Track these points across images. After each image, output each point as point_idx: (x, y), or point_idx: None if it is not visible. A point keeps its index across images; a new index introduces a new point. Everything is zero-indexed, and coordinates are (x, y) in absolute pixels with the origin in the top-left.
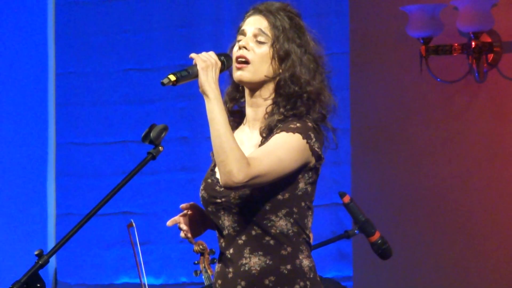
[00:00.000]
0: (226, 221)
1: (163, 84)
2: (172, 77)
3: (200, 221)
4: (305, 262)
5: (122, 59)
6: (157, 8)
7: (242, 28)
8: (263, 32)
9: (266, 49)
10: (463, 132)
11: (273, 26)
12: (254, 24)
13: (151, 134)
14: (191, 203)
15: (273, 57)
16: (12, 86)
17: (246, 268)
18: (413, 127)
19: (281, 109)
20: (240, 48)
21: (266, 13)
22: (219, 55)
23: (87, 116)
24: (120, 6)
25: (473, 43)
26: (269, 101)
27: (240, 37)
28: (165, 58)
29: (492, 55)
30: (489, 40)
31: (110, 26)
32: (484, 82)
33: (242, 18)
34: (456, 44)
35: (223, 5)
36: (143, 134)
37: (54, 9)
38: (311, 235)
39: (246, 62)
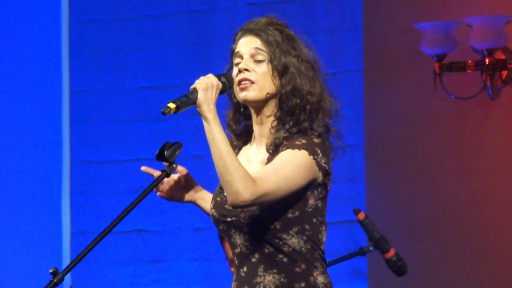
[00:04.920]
0: (238, 240)
1: (163, 113)
2: (172, 105)
3: (185, 190)
4: (320, 279)
5: (136, 76)
6: (171, 26)
7: (237, 50)
8: (260, 50)
9: (265, 67)
10: (477, 149)
11: (267, 42)
12: (249, 45)
13: (165, 152)
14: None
15: (273, 74)
16: (26, 104)
17: (261, 287)
18: (427, 144)
19: (286, 126)
20: (240, 71)
21: (257, 31)
22: (218, 76)
23: (101, 134)
24: (133, 24)
25: (487, 60)
26: (273, 117)
27: (237, 60)
28: (179, 76)
29: (506, 72)
30: (503, 57)
31: (124, 43)
32: (498, 98)
33: (233, 41)
34: (470, 61)
35: (236, 22)
36: (157, 152)
37: (68, 27)
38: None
39: (251, 82)
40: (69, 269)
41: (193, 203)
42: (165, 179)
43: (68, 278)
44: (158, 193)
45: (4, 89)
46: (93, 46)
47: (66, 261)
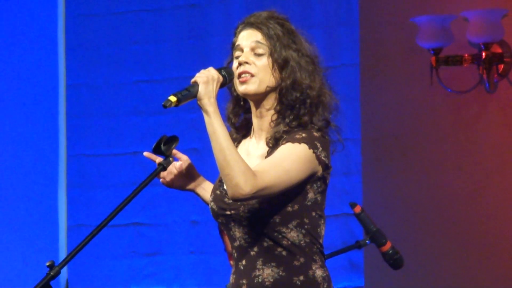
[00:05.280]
0: (237, 233)
1: (164, 106)
2: (173, 98)
3: (186, 178)
4: (318, 273)
5: (132, 70)
6: (167, 20)
7: (237, 43)
8: (261, 43)
9: (265, 60)
10: (473, 142)
11: (268, 36)
12: (249, 38)
13: (162, 146)
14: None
15: (273, 67)
16: (23, 98)
17: (260, 280)
18: (423, 138)
19: (286, 120)
20: (240, 64)
21: (258, 24)
22: (219, 69)
23: (97, 127)
24: (130, 17)
25: (483, 54)
26: (273, 110)
27: (237, 53)
28: (175, 70)
29: (502, 65)
30: (499, 50)
31: (120, 37)
32: (494, 92)
33: (233, 35)
34: (466, 55)
35: (233, 16)
36: (153, 146)
37: (64, 21)
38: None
39: (251, 76)
40: (65, 262)
41: (193, 191)
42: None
43: (64, 271)
44: (160, 180)
45: (1, 83)
46: (90, 40)
47: (62, 254)
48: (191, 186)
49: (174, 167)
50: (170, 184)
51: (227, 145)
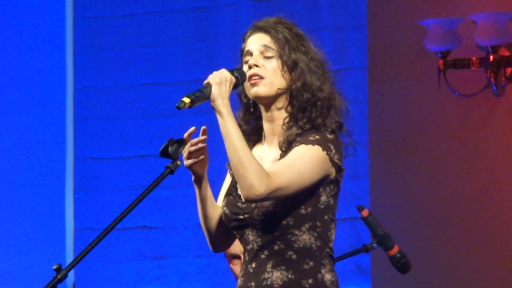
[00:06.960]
0: (251, 236)
1: (178, 108)
2: (187, 100)
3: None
4: (327, 277)
5: (140, 73)
6: (175, 22)
7: (247, 49)
8: (269, 47)
9: (275, 63)
10: (481, 146)
11: (276, 39)
12: (258, 42)
13: (169, 149)
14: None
15: (282, 69)
16: (30, 101)
17: (269, 283)
18: (431, 141)
19: (299, 123)
20: (250, 67)
21: (266, 28)
22: (231, 71)
23: (105, 130)
24: (138, 20)
25: (491, 57)
26: (285, 113)
27: (246, 57)
28: (183, 73)
29: (510, 68)
30: (507, 53)
31: (128, 40)
32: (502, 96)
33: (242, 41)
34: (474, 58)
35: (241, 19)
36: (161, 149)
37: (72, 23)
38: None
39: (260, 78)
40: (72, 265)
41: (198, 179)
42: (198, 147)
43: (71, 274)
44: (188, 160)
45: (9, 86)
46: (97, 43)
47: (69, 257)
48: (200, 171)
49: (191, 144)
50: (191, 163)
51: (241, 146)
